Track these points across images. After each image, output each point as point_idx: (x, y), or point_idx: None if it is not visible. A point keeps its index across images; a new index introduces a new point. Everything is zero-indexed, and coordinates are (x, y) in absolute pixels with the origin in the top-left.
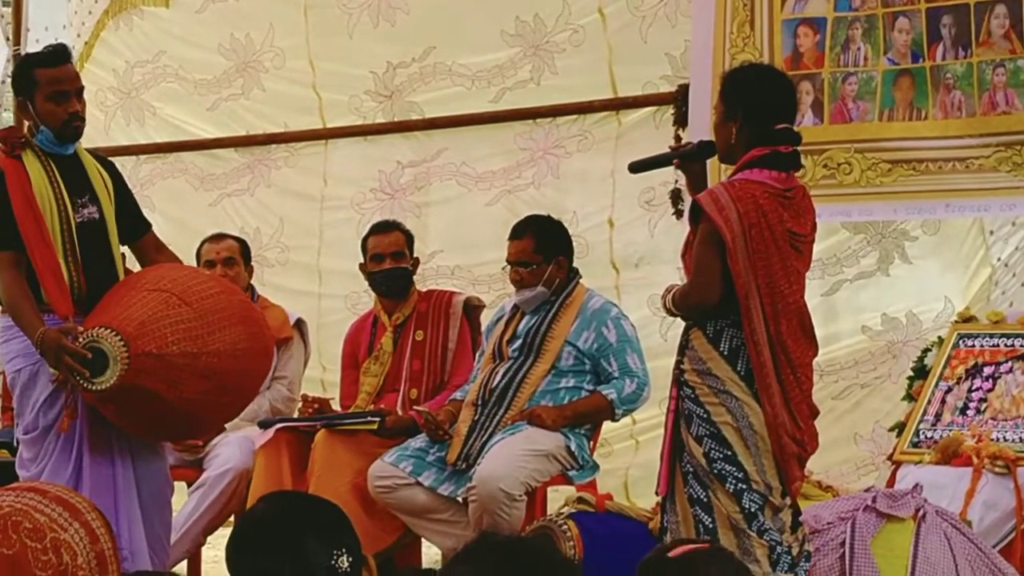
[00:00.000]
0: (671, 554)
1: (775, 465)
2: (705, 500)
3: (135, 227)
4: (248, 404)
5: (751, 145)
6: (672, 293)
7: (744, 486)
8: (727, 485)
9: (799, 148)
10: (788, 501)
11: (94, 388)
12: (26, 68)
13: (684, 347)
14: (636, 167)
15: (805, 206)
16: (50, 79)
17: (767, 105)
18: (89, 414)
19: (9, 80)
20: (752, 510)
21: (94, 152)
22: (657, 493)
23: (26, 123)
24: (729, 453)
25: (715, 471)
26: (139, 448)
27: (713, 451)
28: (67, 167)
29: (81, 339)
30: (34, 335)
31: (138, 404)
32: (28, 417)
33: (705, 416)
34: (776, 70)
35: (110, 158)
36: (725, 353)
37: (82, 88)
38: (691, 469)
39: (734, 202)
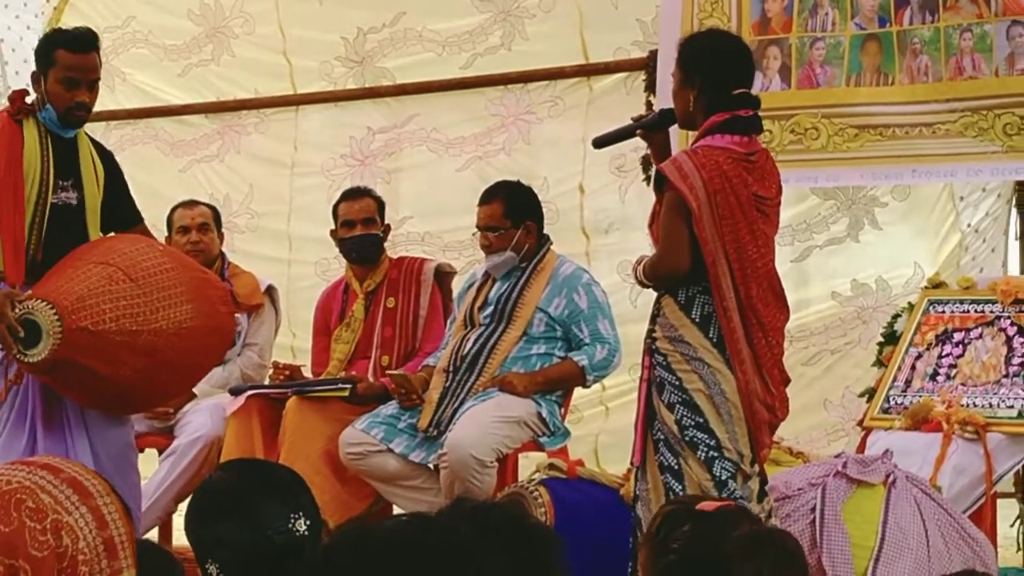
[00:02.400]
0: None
1: (747, 432)
2: (676, 468)
3: (123, 219)
4: (199, 380)
5: (710, 111)
6: (642, 264)
7: (716, 454)
8: (699, 453)
9: (761, 112)
10: (757, 469)
11: (26, 359)
12: (49, 45)
13: (656, 315)
14: (600, 142)
15: (769, 169)
16: (68, 64)
17: (723, 71)
18: (42, 385)
19: None
20: (723, 478)
21: (95, 141)
22: (632, 463)
23: (34, 94)
24: (701, 420)
25: (687, 438)
26: (94, 417)
27: (685, 418)
28: (62, 148)
29: (17, 309)
30: None
31: (73, 377)
32: None
33: (677, 383)
34: (731, 35)
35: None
36: (697, 320)
37: (97, 79)
38: (662, 437)
39: (697, 169)
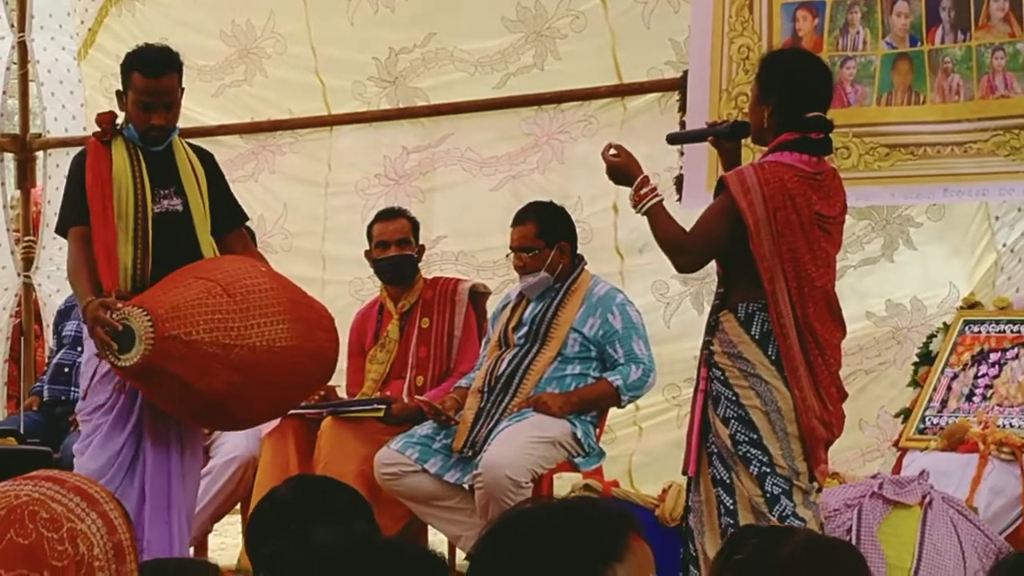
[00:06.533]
0: None
1: (803, 450)
2: (728, 481)
3: (221, 221)
4: (297, 402)
5: (782, 129)
6: (662, 225)
7: (768, 470)
8: (751, 468)
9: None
10: (816, 486)
11: (120, 363)
12: (127, 66)
13: (714, 329)
14: (673, 139)
15: (835, 187)
16: (141, 88)
17: (800, 94)
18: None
19: (15, 66)
20: (775, 493)
21: (194, 145)
22: (684, 472)
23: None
24: (755, 436)
25: (740, 453)
26: (188, 438)
27: (739, 433)
28: (156, 159)
29: (115, 315)
30: (83, 304)
31: (164, 386)
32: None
33: (734, 398)
34: (814, 57)
35: None
36: (756, 337)
37: (173, 100)
38: (716, 450)
39: (761, 185)
